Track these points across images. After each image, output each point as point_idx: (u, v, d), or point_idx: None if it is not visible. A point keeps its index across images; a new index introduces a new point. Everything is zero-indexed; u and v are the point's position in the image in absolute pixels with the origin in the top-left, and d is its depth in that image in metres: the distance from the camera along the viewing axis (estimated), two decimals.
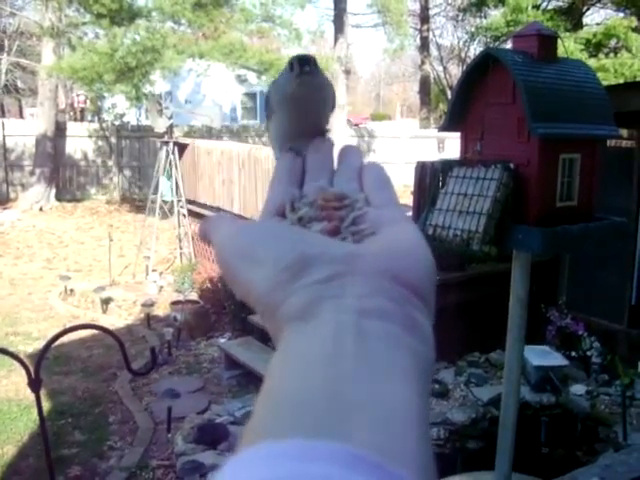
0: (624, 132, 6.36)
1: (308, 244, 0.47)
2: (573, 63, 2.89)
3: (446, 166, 2.68)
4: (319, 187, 0.57)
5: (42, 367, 7.05)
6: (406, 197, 11.08)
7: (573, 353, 6.13)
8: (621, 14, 21.41)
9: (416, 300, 0.44)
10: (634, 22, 18.81)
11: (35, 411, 5.43)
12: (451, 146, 19.45)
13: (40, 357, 3.26)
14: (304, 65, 0.68)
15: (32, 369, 3.37)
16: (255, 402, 0.39)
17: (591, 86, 2.64)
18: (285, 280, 0.44)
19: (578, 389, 5.68)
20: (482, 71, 2.64)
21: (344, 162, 0.61)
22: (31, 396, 4.72)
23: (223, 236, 0.51)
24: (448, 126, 2.80)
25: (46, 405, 6.52)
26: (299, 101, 0.69)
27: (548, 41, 2.60)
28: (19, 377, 6.42)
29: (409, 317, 0.42)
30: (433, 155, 18.85)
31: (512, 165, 2.45)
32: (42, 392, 6.66)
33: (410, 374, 0.39)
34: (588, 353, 6.10)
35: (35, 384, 3.21)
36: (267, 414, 0.38)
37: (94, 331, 6.83)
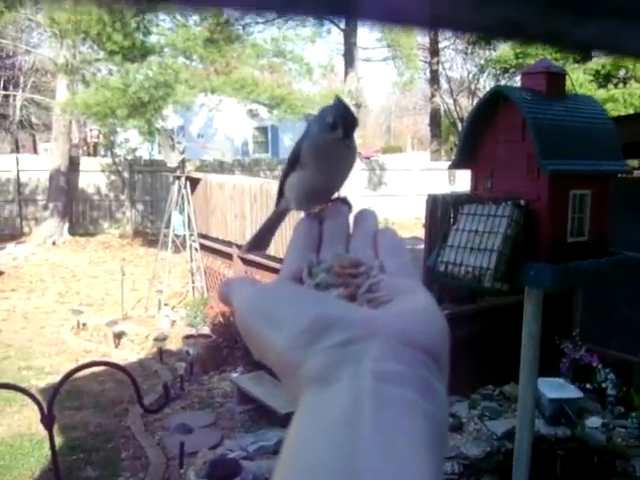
0: (635, 162, 6.37)
1: (327, 307, 0.48)
2: (582, 99, 2.91)
3: (457, 201, 2.69)
4: (336, 254, 0.58)
5: (54, 402, 7.07)
6: (417, 230, 11.08)
7: (588, 385, 6.07)
8: None
9: (432, 364, 0.45)
10: None
11: (47, 446, 5.42)
12: (462, 178, 19.48)
13: (54, 394, 3.26)
14: (350, 129, 0.69)
15: (45, 405, 3.37)
16: (277, 462, 0.40)
17: (600, 121, 2.65)
18: (305, 342, 0.45)
19: (594, 422, 5.62)
20: (492, 108, 2.66)
21: (359, 227, 0.63)
22: (43, 431, 4.71)
23: (243, 298, 0.52)
24: (458, 163, 2.81)
25: (58, 440, 6.49)
26: (337, 161, 0.71)
27: (556, 78, 2.63)
28: (31, 412, 6.41)
29: (425, 382, 0.43)
30: (444, 187, 18.89)
31: (522, 202, 2.46)
32: (54, 427, 6.67)
33: (425, 440, 0.40)
34: (603, 385, 6.05)
35: (48, 420, 3.21)
36: (285, 477, 0.39)
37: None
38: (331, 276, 0.55)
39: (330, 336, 0.45)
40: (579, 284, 3.84)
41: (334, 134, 0.70)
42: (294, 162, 0.75)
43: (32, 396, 3.51)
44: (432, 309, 0.50)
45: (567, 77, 2.75)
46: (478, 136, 2.71)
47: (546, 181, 2.45)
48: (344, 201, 0.71)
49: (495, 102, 2.63)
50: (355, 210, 0.66)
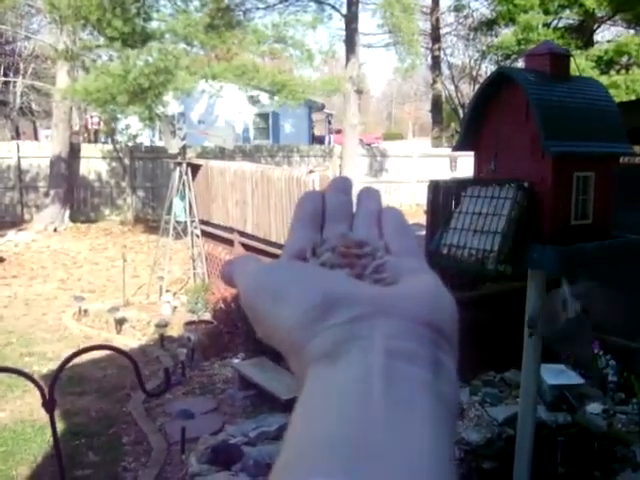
0: (636, 149, 6.34)
1: (336, 284, 0.47)
2: (585, 81, 2.89)
3: (460, 185, 2.68)
4: (340, 233, 0.57)
5: (56, 388, 7.08)
6: (419, 216, 11.07)
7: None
8: (632, 31, 21.43)
9: (442, 342, 0.44)
10: None
11: (49, 432, 5.43)
12: (463, 164, 19.47)
13: (54, 378, 3.26)
14: None
15: (46, 390, 3.37)
16: (283, 440, 0.39)
17: (604, 104, 2.63)
18: (312, 319, 0.44)
19: (594, 408, 5.63)
20: (495, 90, 2.64)
21: (363, 205, 0.61)
22: (45, 417, 4.71)
23: (248, 276, 0.51)
24: (461, 146, 2.80)
25: (60, 426, 6.51)
26: None
27: (560, 59, 2.60)
28: (33, 398, 6.42)
29: (436, 359, 0.42)
30: (445, 174, 18.88)
31: (526, 184, 2.45)
32: (56, 413, 6.66)
33: (437, 418, 0.39)
34: (604, 371, 6.06)
35: (49, 405, 3.21)
36: (294, 455, 0.38)
37: (108, 351, 6.83)
38: (336, 256, 0.53)
39: (339, 313, 0.44)
40: (583, 267, 3.83)
41: None
42: None
43: (33, 380, 3.52)
44: (439, 288, 0.49)
45: (572, 61, 2.73)
46: (482, 118, 2.69)
47: (550, 163, 2.43)
48: (346, 178, 0.69)
49: (499, 84, 2.61)
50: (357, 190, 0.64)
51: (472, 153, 2.76)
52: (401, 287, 0.48)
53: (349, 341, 0.42)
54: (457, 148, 2.84)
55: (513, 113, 2.56)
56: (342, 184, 0.64)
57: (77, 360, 7.65)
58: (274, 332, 0.47)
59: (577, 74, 2.91)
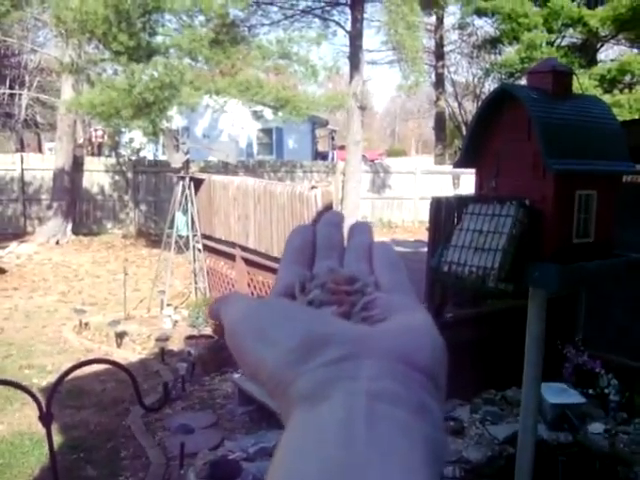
0: (639, 167, 6.34)
1: (320, 324, 0.47)
2: (588, 99, 2.89)
3: (461, 202, 2.67)
4: (330, 269, 0.56)
5: (55, 401, 7.04)
6: (421, 233, 11.08)
7: (591, 391, 6.05)
8: (635, 50, 21.52)
9: (427, 383, 0.43)
10: None
11: (47, 445, 5.41)
12: (467, 182, 19.48)
13: (51, 392, 3.25)
14: None
15: (44, 403, 3.36)
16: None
17: (607, 122, 2.63)
18: (296, 359, 0.44)
19: (596, 427, 5.59)
20: (497, 107, 2.64)
21: (354, 239, 0.61)
22: (43, 430, 4.70)
23: (234, 314, 0.51)
24: (463, 162, 2.79)
25: (58, 439, 6.48)
26: None
27: (563, 77, 2.60)
28: (32, 410, 6.39)
29: (420, 401, 0.42)
30: (448, 191, 18.89)
31: (527, 201, 2.44)
32: (54, 426, 6.64)
33: (421, 461, 0.38)
34: (606, 391, 6.03)
35: (46, 418, 3.19)
36: None
37: (108, 365, 6.81)
38: (325, 293, 0.53)
39: (323, 353, 0.43)
40: (584, 285, 3.81)
41: None
42: None
43: (31, 393, 3.51)
44: (429, 327, 0.48)
45: (575, 79, 2.73)
46: (484, 135, 2.68)
47: (551, 181, 2.43)
48: (338, 212, 0.68)
49: (501, 100, 2.61)
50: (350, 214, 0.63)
51: (474, 170, 2.76)
52: (388, 326, 0.48)
53: (332, 383, 0.41)
54: (458, 165, 2.83)
55: (515, 130, 2.56)
56: (334, 218, 0.64)
57: (77, 373, 7.64)
58: (259, 372, 0.46)
59: (580, 92, 2.91)
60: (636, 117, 15.85)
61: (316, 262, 0.59)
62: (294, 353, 0.44)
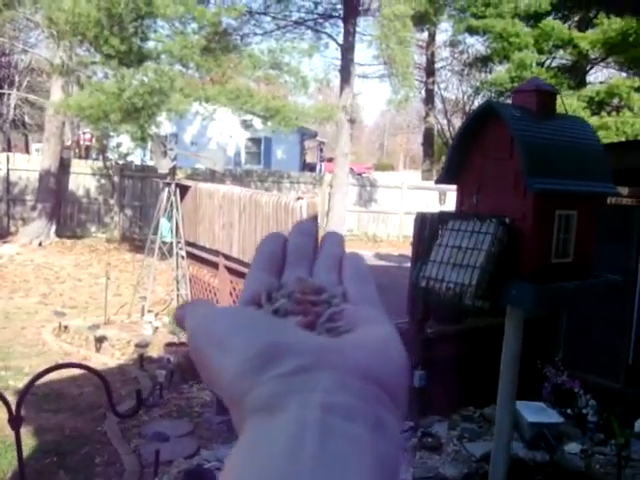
0: (624, 190, 6.39)
1: (281, 334, 0.46)
2: (571, 119, 2.90)
3: (442, 218, 2.67)
4: (298, 278, 0.55)
5: (30, 404, 6.98)
6: (405, 248, 11.09)
7: (569, 411, 6.07)
8: (624, 74, 21.73)
9: (386, 399, 0.43)
10: (637, 82, 19.10)
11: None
12: (453, 198, 19.52)
13: (22, 395, 3.21)
14: None
15: (14, 407, 3.32)
16: None
17: (589, 143, 2.64)
18: (252, 369, 0.42)
19: (573, 447, 5.61)
20: (481, 124, 2.64)
21: (325, 249, 0.60)
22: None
23: (196, 321, 0.50)
24: (445, 178, 2.79)
25: (32, 443, 6.42)
26: None
27: (547, 97, 2.60)
28: (4, 414, 6.33)
29: (376, 417, 0.41)
30: (434, 207, 18.94)
31: (507, 219, 2.44)
32: (28, 429, 6.58)
33: (371, 477, 0.37)
34: (584, 411, 6.05)
35: (15, 422, 3.15)
36: None
37: (83, 370, 6.75)
38: (291, 302, 0.52)
39: (280, 364, 0.42)
40: (561, 306, 3.81)
41: None
42: None
43: (0, 396, 3.46)
44: (393, 342, 0.47)
45: (561, 102, 2.74)
46: (466, 151, 2.68)
47: (532, 200, 2.43)
48: (311, 220, 0.67)
49: (485, 118, 2.61)
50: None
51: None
52: (350, 338, 0.47)
53: (288, 395, 0.40)
54: (441, 180, 2.83)
55: (498, 148, 2.56)
56: (307, 227, 0.63)
57: (54, 377, 7.58)
58: (216, 381, 0.45)
59: (565, 113, 2.92)
60: (623, 140, 15.97)
61: (285, 271, 0.58)
62: (251, 362, 0.43)
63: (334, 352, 0.44)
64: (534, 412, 5.71)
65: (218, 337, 0.46)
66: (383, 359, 0.45)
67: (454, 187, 2.98)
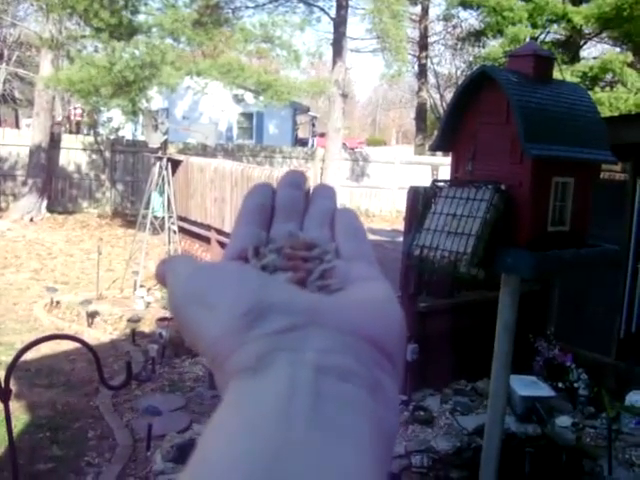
0: (617, 166, 6.37)
1: (269, 291, 0.42)
2: (569, 85, 2.86)
3: (436, 186, 2.63)
4: (288, 233, 0.52)
5: (23, 379, 6.97)
6: (398, 222, 11.09)
7: (560, 384, 6.10)
8: (617, 49, 21.65)
9: (384, 361, 0.39)
10: (630, 57, 19.04)
11: (12, 424, 5.33)
12: (445, 173, 19.51)
13: (10, 368, 3.19)
14: None
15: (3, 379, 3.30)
16: (190, 461, 0.34)
17: (586, 110, 2.60)
18: (240, 327, 0.39)
19: (564, 421, 5.64)
20: (476, 90, 2.60)
21: (317, 203, 0.56)
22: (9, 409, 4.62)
23: (177, 276, 0.46)
24: (439, 144, 2.75)
25: (24, 418, 6.41)
26: None
27: (544, 62, 2.56)
28: None
29: (374, 379, 0.38)
30: (427, 181, 18.90)
31: (503, 186, 2.41)
32: (21, 405, 6.58)
33: (368, 441, 0.34)
34: (575, 385, 6.07)
35: (5, 395, 3.13)
36: (199, 478, 0.33)
37: (78, 344, 6.73)
38: (280, 258, 0.49)
39: (269, 322, 0.39)
40: (558, 273, 3.79)
41: None
42: None
43: None
44: (389, 300, 0.44)
45: (559, 72, 2.70)
46: (461, 117, 2.64)
47: (529, 166, 2.39)
48: (300, 172, 0.63)
49: (480, 83, 2.56)
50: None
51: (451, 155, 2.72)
52: (344, 296, 0.44)
53: (277, 353, 0.37)
54: (435, 147, 2.80)
55: (493, 114, 2.51)
56: (296, 178, 0.59)
57: (47, 352, 7.57)
58: (198, 340, 0.42)
59: (561, 79, 2.88)
60: (616, 115, 15.94)
61: (273, 225, 0.54)
62: (237, 320, 0.39)
63: (328, 310, 0.41)
64: (526, 386, 5.73)
65: (200, 293, 0.43)
66: (381, 319, 0.42)
67: (447, 161, 2.95)
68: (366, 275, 0.47)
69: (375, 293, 0.45)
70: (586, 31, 20.81)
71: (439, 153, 18.25)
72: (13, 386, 6.56)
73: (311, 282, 0.47)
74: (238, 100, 19.17)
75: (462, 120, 2.63)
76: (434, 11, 31.96)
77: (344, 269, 0.47)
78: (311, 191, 0.59)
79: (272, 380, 0.36)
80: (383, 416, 0.37)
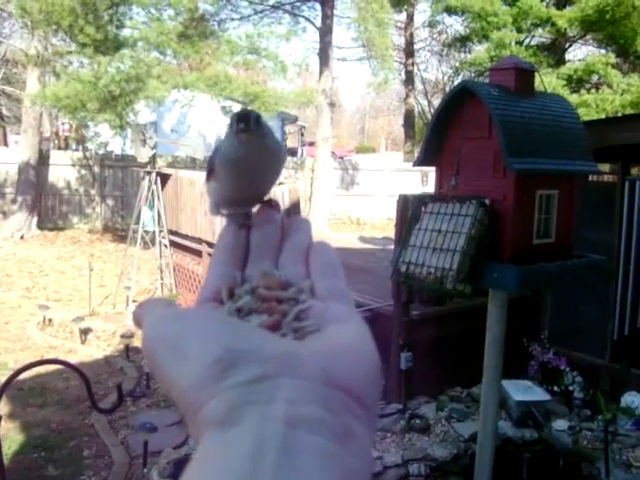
0: (605, 167, 6.39)
1: (240, 338, 0.42)
2: (551, 97, 2.87)
3: (421, 201, 2.64)
4: (263, 272, 0.52)
5: (17, 399, 6.93)
6: (389, 230, 11.08)
7: (555, 388, 6.10)
8: (602, 51, 21.76)
9: (356, 407, 0.40)
10: (612, 59, 19.13)
11: (5, 444, 5.31)
12: (435, 180, 19.51)
13: (0, 392, 3.17)
14: (241, 122, 0.62)
15: None
16: None
17: (569, 121, 2.61)
18: (210, 378, 0.39)
19: (560, 424, 5.64)
20: (458, 105, 2.60)
21: (292, 238, 0.57)
22: (2, 429, 4.60)
23: (151, 323, 0.46)
24: (423, 160, 2.76)
25: (19, 438, 6.38)
26: (238, 163, 0.62)
27: (525, 75, 2.56)
28: None
29: (345, 428, 0.38)
30: (417, 188, 18.94)
31: (487, 201, 2.41)
32: (15, 425, 6.55)
33: None
34: (570, 388, 6.08)
35: None
36: None
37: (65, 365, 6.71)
38: (255, 300, 0.49)
39: (239, 372, 0.39)
40: (544, 287, 3.80)
41: (231, 131, 0.62)
42: (209, 172, 0.66)
43: None
44: (363, 343, 0.44)
45: (540, 80, 2.71)
46: (444, 133, 2.64)
47: (512, 180, 2.39)
48: (274, 205, 0.63)
49: (462, 98, 2.57)
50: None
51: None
52: (318, 340, 0.44)
53: (246, 406, 0.37)
54: (418, 163, 2.80)
55: (476, 128, 2.52)
56: (270, 214, 0.60)
57: (40, 370, 7.53)
58: (170, 390, 0.42)
59: (543, 90, 2.89)
60: (602, 117, 16.01)
61: (249, 262, 0.55)
62: (207, 371, 0.40)
63: (300, 357, 0.41)
64: (521, 390, 5.73)
65: (172, 341, 0.43)
66: (352, 362, 0.42)
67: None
68: (342, 316, 0.47)
69: (350, 336, 0.45)
70: (570, 34, 20.91)
71: None
72: (6, 406, 6.53)
73: (286, 324, 0.47)
74: (226, 112, 19.15)
75: (445, 135, 2.64)
76: (419, 18, 32.08)
77: (319, 309, 0.48)
78: (286, 223, 0.59)
79: (242, 436, 0.36)
80: (353, 465, 0.36)
